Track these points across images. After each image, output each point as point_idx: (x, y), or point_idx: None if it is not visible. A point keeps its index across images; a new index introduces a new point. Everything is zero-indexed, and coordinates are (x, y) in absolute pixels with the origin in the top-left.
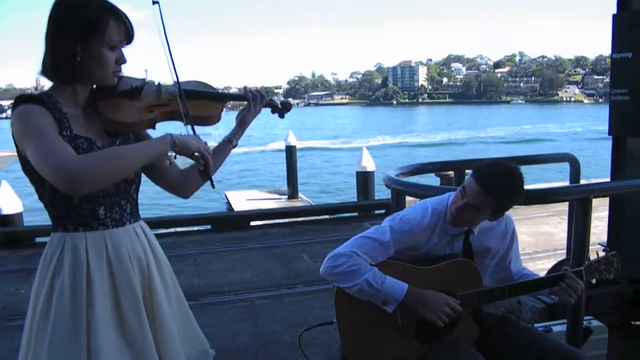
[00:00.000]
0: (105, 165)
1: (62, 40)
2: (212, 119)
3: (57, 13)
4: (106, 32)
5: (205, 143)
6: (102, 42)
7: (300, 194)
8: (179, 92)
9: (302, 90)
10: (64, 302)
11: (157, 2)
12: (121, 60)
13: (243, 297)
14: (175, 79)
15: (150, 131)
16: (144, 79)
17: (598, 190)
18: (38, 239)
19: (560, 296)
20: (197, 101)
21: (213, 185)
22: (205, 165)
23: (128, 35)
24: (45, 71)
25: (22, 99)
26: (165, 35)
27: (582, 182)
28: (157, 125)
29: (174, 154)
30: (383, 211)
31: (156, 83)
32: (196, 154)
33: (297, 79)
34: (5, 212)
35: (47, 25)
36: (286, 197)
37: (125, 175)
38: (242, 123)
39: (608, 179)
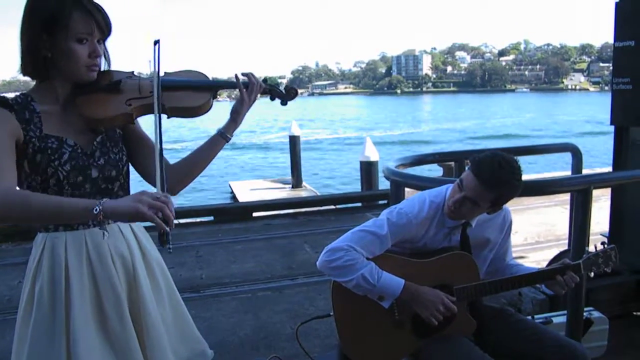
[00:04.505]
0: (19, 211)
1: (30, 36)
2: (199, 110)
3: (25, 8)
4: (70, 24)
5: (166, 196)
6: (68, 36)
7: (304, 183)
8: (156, 82)
9: (305, 80)
10: (43, 304)
11: (158, 42)
12: (95, 53)
13: (244, 288)
14: (156, 70)
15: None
16: (131, 72)
17: (598, 181)
18: None
19: (553, 287)
20: (180, 92)
21: (169, 248)
22: (163, 226)
23: (100, 27)
24: (22, 68)
25: None
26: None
27: (585, 171)
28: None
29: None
30: (386, 202)
31: (143, 76)
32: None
33: (300, 68)
34: None
35: (20, 21)
36: (290, 186)
37: (34, 223)
38: (235, 115)
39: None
